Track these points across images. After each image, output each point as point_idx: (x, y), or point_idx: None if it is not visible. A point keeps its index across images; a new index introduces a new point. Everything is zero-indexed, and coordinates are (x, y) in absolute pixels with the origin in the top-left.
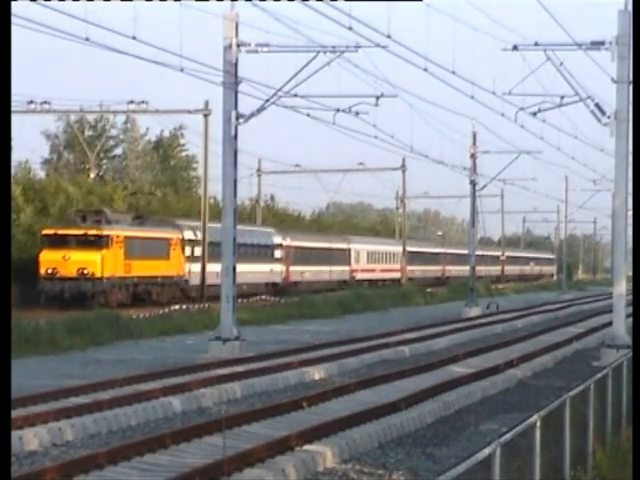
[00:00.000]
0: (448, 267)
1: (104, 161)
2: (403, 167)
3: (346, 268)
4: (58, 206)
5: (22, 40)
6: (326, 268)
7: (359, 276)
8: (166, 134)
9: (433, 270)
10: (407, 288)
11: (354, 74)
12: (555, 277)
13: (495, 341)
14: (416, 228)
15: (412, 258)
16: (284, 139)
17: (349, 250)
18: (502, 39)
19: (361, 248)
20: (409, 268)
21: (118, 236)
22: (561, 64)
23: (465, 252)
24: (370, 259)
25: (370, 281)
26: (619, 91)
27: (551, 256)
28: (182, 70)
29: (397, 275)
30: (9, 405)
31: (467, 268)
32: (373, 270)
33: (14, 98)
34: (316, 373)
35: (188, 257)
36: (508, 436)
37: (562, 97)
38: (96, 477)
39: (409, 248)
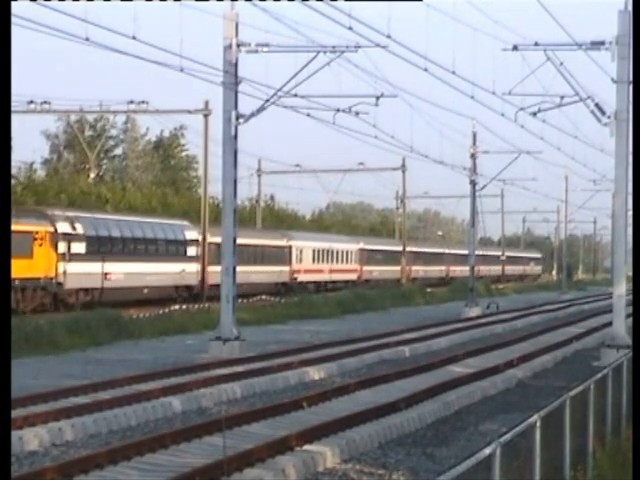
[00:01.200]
0: (414, 267)
1: (104, 161)
2: (403, 167)
3: (285, 268)
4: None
5: (22, 40)
6: (257, 268)
7: (302, 277)
8: (166, 134)
9: (392, 271)
10: (407, 288)
11: (354, 74)
12: (541, 277)
13: (495, 341)
14: (416, 228)
15: (370, 257)
16: (284, 139)
17: (289, 248)
18: (502, 39)
19: (305, 245)
20: (366, 269)
21: None
22: (561, 64)
23: (430, 250)
24: (317, 258)
25: (317, 283)
26: (619, 91)
27: (536, 255)
28: (182, 70)
29: (352, 277)
30: (9, 405)
31: (434, 268)
32: (320, 271)
33: (14, 98)
34: (316, 373)
35: (62, 255)
36: (508, 436)
37: (562, 97)
38: (96, 477)
39: (366, 246)
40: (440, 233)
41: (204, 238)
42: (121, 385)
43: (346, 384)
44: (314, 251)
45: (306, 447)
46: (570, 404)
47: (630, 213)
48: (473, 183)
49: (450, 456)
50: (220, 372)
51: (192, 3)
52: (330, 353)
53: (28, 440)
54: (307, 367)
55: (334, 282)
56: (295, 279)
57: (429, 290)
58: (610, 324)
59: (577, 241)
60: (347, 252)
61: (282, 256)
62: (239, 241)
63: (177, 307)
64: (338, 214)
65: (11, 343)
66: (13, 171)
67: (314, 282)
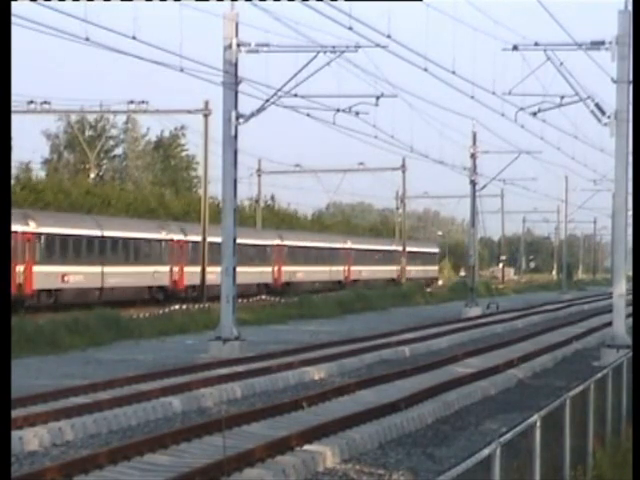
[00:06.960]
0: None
1: (104, 161)
2: (403, 167)
3: None
4: (58, 207)
5: (22, 40)
6: None
7: None
8: (166, 134)
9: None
10: (407, 288)
11: (354, 74)
12: (441, 281)
13: (495, 341)
14: (416, 228)
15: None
16: (284, 139)
17: None
18: (502, 39)
19: None
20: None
21: None
22: (561, 64)
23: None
24: None
25: None
26: (619, 91)
27: (432, 250)
28: (182, 70)
29: None
30: (9, 405)
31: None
32: None
33: (14, 98)
34: (316, 373)
35: None
36: (508, 436)
37: (562, 97)
38: (96, 477)
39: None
40: (440, 233)
41: (204, 239)
42: (121, 385)
43: (346, 384)
44: None
45: (306, 447)
46: (570, 404)
47: (630, 213)
48: (473, 183)
49: (450, 456)
50: (220, 372)
51: (192, 3)
52: (330, 353)
53: (28, 440)
54: (307, 367)
55: None
56: None
57: (429, 290)
58: (610, 324)
59: (577, 241)
60: None
61: None
62: None
63: (177, 307)
64: (338, 214)
65: (11, 343)
66: (15, 172)
67: None
